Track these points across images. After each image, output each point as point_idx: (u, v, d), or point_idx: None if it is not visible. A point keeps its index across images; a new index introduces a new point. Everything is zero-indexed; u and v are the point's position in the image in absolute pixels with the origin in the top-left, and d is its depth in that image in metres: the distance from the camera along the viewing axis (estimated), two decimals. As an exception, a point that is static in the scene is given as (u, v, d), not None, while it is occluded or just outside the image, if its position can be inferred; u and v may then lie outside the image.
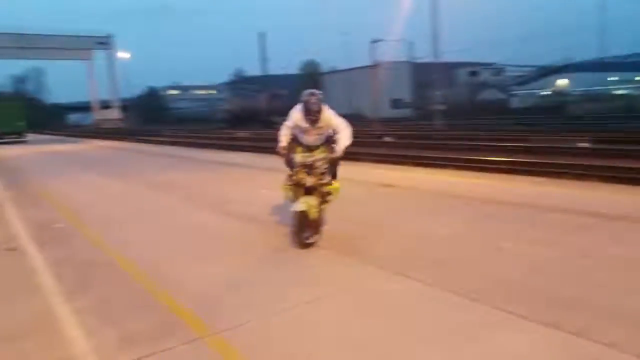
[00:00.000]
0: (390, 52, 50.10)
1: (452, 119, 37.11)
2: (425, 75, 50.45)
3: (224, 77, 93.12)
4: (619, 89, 58.85)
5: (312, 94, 5.23)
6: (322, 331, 3.43)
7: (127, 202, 9.36)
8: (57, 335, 3.54)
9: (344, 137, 5.28)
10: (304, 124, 5.25)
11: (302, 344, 3.27)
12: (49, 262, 5.39)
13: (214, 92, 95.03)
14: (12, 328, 3.72)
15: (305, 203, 5.18)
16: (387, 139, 22.94)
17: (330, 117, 5.30)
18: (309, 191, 5.25)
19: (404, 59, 57.13)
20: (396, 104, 57.78)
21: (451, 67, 63.81)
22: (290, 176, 5.40)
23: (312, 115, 5.14)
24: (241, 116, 55.69)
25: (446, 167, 11.76)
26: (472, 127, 30.07)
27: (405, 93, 59.23)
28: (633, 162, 10.85)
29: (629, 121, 29.17)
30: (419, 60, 56.70)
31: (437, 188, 9.00)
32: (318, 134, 5.40)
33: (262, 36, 75.29)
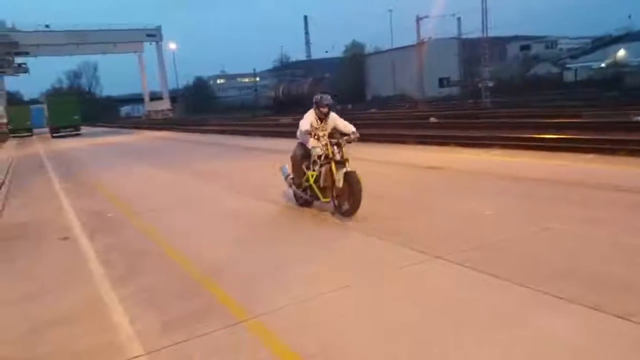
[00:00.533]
0: (437, 29, 48.80)
1: (502, 95, 35.86)
2: (473, 51, 48.93)
3: (269, 63, 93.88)
4: (684, 56, 55.01)
5: (322, 98, 6.38)
6: (357, 316, 3.44)
7: (175, 191, 9.65)
8: (105, 321, 3.72)
9: (350, 125, 6.50)
10: (315, 123, 6.37)
11: (337, 328, 3.29)
12: (100, 250, 5.66)
13: (258, 79, 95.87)
14: (64, 313, 3.94)
15: (339, 175, 5.98)
16: (432, 119, 22.50)
17: (334, 117, 6.49)
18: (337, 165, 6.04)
19: (451, 35, 55.62)
20: (443, 83, 56.43)
21: (501, 42, 61.57)
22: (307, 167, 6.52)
23: (322, 115, 6.35)
24: (285, 102, 55.97)
25: (492, 146, 11.40)
26: (522, 104, 28.97)
27: (452, 71, 57.61)
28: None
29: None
30: (466, 36, 55.05)
31: (482, 168, 8.77)
32: (325, 130, 6.40)
33: (306, 20, 75.35)
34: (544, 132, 12.44)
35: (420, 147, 12.99)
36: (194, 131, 32.21)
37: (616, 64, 53.62)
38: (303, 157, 6.57)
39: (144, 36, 74.21)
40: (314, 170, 6.33)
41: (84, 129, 43.21)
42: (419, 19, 44.07)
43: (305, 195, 6.61)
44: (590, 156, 9.02)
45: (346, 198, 5.95)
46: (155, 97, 78.12)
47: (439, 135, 14.55)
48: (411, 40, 48.78)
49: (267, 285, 4.12)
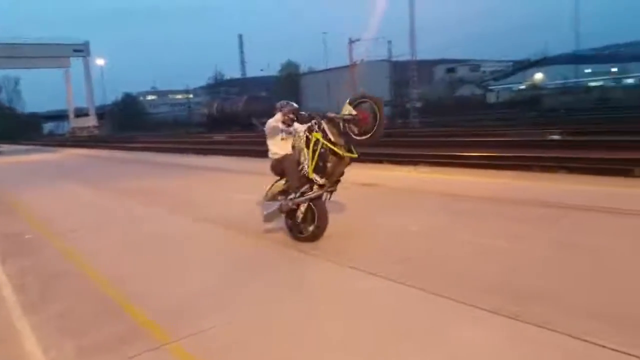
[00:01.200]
0: (369, 51, 50.31)
1: (429, 116, 37.32)
2: (403, 73, 50.75)
3: (203, 80, 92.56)
4: (593, 80, 59.89)
5: (288, 103, 5.84)
6: (289, 333, 3.40)
7: (98, 210, 9.20)
8: (17, 350, 3.45)
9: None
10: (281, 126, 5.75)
11: (270, 346, 3.23)
12: (14, 274, 5.26)
13: (192, 96, 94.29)
14: (-31, 344, 3.62)
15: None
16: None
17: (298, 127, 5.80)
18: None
19: (382, 57, 57.43)
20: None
21: (429, 65, 64.21)
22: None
23: (290, 121, 5.71)
24: (219, 119, 55.34)
25: (420, 163, 11.80)
26: (448, 123, 30.37)
27: (384, 92, 59.30)
28: (602, 153, 11.02)
29: (602, 112, 29.68)
30: (396, 59, 57.10)
31: (409, 185, 9.07)
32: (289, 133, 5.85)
33: (241, 39, 75.25)
34: (469, 150, 13.04)
35: (356, 164, 13.21)
36: (121, 148, 31.04)
37: (534, 87, 57.49)
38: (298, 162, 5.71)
39: (70, 51, 71.30)
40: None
41: (4, 147, 40.48)
42: (351, 42, 45.39)
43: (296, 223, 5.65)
44: (510, 172, 9.55)
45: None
46: (81, 113, 74.79)
47: (373, 152, 14.88)
48: (344, 61, 50.02)
49: (193, 308, 3.99)
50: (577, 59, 55.70)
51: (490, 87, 60.97)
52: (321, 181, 5.42)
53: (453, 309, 3.58)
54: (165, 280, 4.74)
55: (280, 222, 5.96)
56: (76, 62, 72.81)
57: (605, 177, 8.35)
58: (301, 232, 5.60)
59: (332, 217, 5.62)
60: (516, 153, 11.66)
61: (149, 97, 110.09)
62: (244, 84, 75.48)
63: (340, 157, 5.37)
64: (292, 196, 5.56)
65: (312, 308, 3.83)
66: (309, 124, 5.58)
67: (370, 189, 8.98)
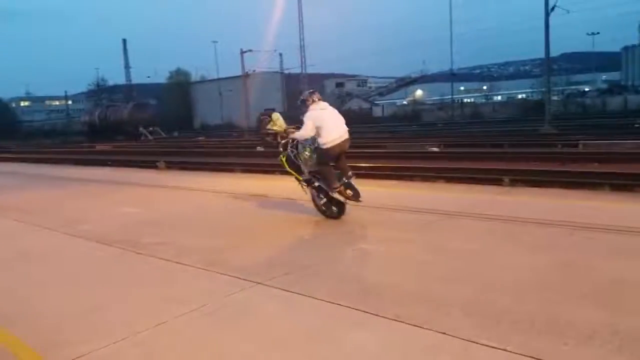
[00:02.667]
0: (262, 63, 50.61)
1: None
2: (295, 85, 51.72)
3: (84, 86, 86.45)
4: (466, 97, 65.56)
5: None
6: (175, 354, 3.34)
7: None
8: None
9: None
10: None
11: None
12: None
13: (71, 102, 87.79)
14: None
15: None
16: (259, 148, 23.06)
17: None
18: None
19: (274, 69, 58.07)
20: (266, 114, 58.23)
21: (320, 78, 65.97)
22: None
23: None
24: (102, 128, 52.01)
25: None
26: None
27: (277, 103, 60.00)
28: (473, 163, 12.16)
29: (474, 126, 32.59)
30: (288, 71, 58.12)
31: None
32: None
33: (125, 43, 71.66)
34: (355, 162, 13.65)
35: (246, 175, 13.22)
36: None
37: (415, 102, 61.56)
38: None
39: None
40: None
41: None
42: (242, 52, 45.36)
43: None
44: (394, 182, 10.17)
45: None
46: None
47: (264, 163, 15.00)
48: (236, 71, 49.78)
49: (74, 329, 3.76)
50: (452, 77, 60.66)
51: (376, 102, 64.25)
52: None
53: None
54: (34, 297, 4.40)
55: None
56: None
57: (479, 185, 9.24)
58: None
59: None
60: (399, 164, 12.45)
61: (22, 104, 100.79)
62: (129, 91, 71.86)
63: None
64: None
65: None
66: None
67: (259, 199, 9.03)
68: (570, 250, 4.97)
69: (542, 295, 3.86)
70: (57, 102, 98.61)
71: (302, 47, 34.57)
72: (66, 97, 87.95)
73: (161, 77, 79.52)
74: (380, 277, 4.52)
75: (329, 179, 6.56)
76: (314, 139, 6.67)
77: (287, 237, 6.23)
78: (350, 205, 6.86)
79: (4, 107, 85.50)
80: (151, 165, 17.07)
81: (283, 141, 7.06)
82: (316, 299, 4.04)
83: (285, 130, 7.01)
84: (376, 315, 3.64)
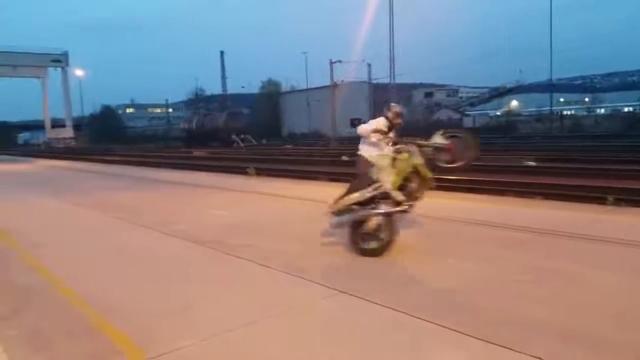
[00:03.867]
0: (349, 73, 51.03)
1: (407, 137, 37.64)
2: (382, 95, 51.51)
3: (183, 95, 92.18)
4: (566, 109, 61.68)
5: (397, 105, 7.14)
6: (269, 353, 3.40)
7: (71, 224, 9.04)
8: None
9: None
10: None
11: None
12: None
13: (171, 110, 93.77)
14: None
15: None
16: (344, 158, 23.19)
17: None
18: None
19: (362, 79, 58.28)
20: (354, 123, 58.58)
21: (407, 88, 65.30)
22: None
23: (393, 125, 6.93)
24: (199, 135, 55.02)
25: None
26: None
27: (363, 113, 60.13)
28: (573, 180, 11.35)
29: (575, 140, 30.52)
30: (376, 81, 58.06)
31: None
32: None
33: (222, 55, 75.44)
34: (444, 174, 13.27)
35: (331, 183, 13.32)
36: (98, 161, 30.61)
37: (509, 113, 58.87)
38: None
39: (48, 61, 70.62)
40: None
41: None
42: (332, 62, 46.00)
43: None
44: (482, 196, 9.76)
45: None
46: (57, 124, 73.75)
47: (349, 172, 15.05)
48: (325, 81, 50.56)
49: (169, 325, 3.95)
50: (550, 88, 57.43)
51: (467, 112, 62.24)
52: (401, 198, 5.60)
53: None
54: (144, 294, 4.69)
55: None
56: (54, 73, 72.15)
57: (579, 203, 8.67)
58: (359, 244, 5.73)
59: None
60: (490, 177, 11.92)
61: (128, 110, 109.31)
62: (224, 101, 75.44)
63: (424, 180, 5.71)
64: (370, 207, 5.67)
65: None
66: (398, 146, 5.98)
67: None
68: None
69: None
70: (158, 110, 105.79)
71: (391, 58, 34.50)
72: (167, 105, 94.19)
73: (254, 87, 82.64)
74: (474, 296, 4.33)
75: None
76: None
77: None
78: (440, 219, 6.67)
79: (112, 113, 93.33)
80: (242, 171, 17.77)
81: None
82: (399, 311, 3.95)
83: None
84: (468, 335, 3.49)
